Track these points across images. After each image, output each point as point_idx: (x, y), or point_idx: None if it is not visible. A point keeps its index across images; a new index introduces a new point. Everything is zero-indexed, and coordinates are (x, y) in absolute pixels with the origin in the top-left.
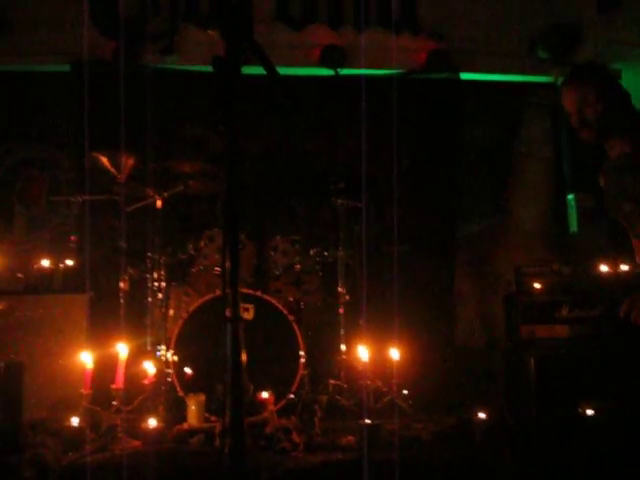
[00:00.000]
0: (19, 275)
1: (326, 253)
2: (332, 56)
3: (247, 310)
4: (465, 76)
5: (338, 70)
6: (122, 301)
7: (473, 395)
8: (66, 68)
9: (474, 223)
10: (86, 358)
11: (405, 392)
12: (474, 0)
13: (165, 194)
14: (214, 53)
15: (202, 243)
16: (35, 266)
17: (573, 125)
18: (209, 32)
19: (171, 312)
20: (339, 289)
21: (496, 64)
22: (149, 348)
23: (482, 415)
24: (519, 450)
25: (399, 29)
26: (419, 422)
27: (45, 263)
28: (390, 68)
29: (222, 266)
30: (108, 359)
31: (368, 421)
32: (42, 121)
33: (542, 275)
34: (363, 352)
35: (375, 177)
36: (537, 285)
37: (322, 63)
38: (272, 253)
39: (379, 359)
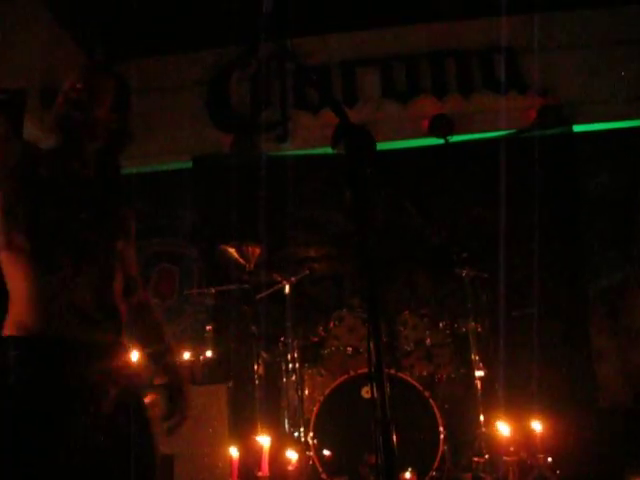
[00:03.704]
0: None
1: (456, 325)
2: (440, 125)
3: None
4: (579, 128)
5: (448, 138)
6: (257, 383)
7: (624, 461)
8: (189, 165)
9: (606, 277)
10: (232, 451)
11: (549, 460)
12: (579, 49)
13: (293, 279)
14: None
15: (332, 324)
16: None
17: None
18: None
19: (306, 393)
20: (472, 358)
21: (611, 111)
22: (287, 431)
23: None
24: None
25: (506, 89)
26: None
27: (186, 356)
28: (501, 130)
29: (367, 346)
30: (251, 444)
31: None
32: (170, 216)
33: None
34: (504, 425)
35: (497, 243)
36: None
37: (431, 133)
38: (402, 329)
39: (520, 428)
